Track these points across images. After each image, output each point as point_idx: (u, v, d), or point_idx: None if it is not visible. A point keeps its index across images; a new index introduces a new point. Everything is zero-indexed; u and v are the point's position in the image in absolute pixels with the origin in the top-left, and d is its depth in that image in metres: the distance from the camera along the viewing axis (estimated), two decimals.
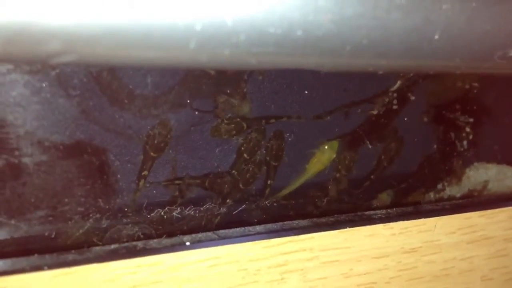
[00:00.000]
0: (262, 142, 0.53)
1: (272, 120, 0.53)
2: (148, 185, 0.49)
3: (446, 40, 0.39)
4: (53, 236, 0.46)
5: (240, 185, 0.53)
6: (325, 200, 0.57)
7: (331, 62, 0.39)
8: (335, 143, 0.56)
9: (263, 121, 0.52)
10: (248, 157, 0.53)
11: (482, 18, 0.39)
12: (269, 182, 0.55)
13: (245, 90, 0.50)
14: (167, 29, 0.32)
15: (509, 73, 0.51)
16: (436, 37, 0.38)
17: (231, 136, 0.51)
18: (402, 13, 0.37)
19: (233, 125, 0.51)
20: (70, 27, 0.30)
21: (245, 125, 0.51)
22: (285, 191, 0.56)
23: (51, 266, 0.39)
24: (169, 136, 0.48)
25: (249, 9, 0.33)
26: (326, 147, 0.56)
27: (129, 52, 0.33)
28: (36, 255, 0.40)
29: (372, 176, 0.59)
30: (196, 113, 0.49)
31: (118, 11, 0.31)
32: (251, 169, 0.53)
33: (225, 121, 0.50)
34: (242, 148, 0.52)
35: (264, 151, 0.54)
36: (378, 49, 0.38)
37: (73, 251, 0.41)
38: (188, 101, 0.48)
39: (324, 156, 0.56)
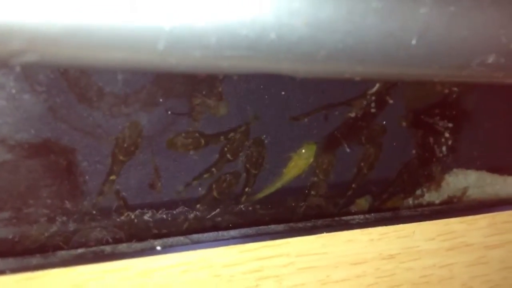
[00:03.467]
0: (239, 148, 0.52)
1: (231, 134, 0.52)
2: (118, 187, 0.48)
3: (423, 46, 0.38)
4: (17, 239, 0.45)
5: (214, 194, 0.52)
6: (302, 205, 0.57)
7: (305, 68, 0.38)
8: (312, 146, 0.55)
9: (222, 137, 0.52)
10: (224, 160, 0.52)
11: (460, 24, 0.39)
12: (246, 189, 0.54)
13: (220, 89, 0.49)
14: (134, 29, 0.31)
15: (488, 81, 0.51)
16: (413, 42, 0.38)
17: (187, 150, 0.50)
18: (378, 17, 0.36)
19: (190, 140, 0.50)
20: (31, 25, 0.29)
21: (203, 141, 0.51)
22: (260, 195, 0.55)
23: (14, 270, 0.37)
24: (139, 140, 0.48)
25: (221, 9, 0.33)
26: (303, 150, 0.55)
27: (94, 53, 0.32)
28: None
29: (353, 185, 0.59)
30: (169, 112, 0.48)
31: (82, 10, 0.30)
32: (228, 178, 0.53)
33: (183, 134, 0.50)
34: (225, 149, 0.52)
35: (245, 158, 0.53)
36: (353, 54, 0.37)
37: (37, 255, 0.40)
38: (161, 100, 0.47)
39: (301, 160, 0.55)
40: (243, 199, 0.54)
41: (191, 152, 0.50)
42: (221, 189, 0.53)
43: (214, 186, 0.52)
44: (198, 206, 0.52)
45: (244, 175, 0.54)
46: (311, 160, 0.55)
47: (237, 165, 0.53)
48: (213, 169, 0.52)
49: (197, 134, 0.50)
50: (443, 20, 0.38)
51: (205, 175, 0.51)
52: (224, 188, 0.53)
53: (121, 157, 0.47)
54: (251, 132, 0.53)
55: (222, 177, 0.53)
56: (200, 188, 0.52)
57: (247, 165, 0.53)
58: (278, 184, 0.55)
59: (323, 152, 0.56)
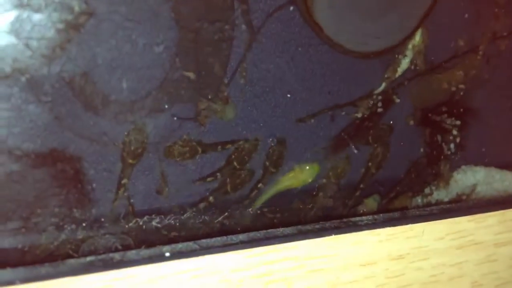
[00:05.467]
0: (247, 155, 0.52)
1: (229, 146, 0.51)
2: (126, 193, 0.48)
3: None
4: (26, 248, 0.45)
5: (228, 189, 0.52)
6: (311, 207, 0.56)
7: None
8: (316, 167, 0.55)
9: (219, 146, 0.51)
10: (231, 167, 0.52)
11: None
12: (259, 185, 0.54)
13: (226, 94, 0.49)
14: None
15: None
16: None
17: (184, 159, 0.50)
18: None
19: (187, 148, 0.50)
20: None
21: (200, 149, 0.50)
22: (259, 202, 0.55)
23: (24, 280, 0.37)
24: (146, 141, 0.47)
25: None
26: (307, 167, 0.55)
27: None
28: (8, 268, 0.39)
29: (361, 185, 0.59)
30: (175, 118, 0.48)
31: None
32: (242, 175, 0.53)
33: (180, 143, 0.49)
34: (233, 157, 0.52)
35: (265, 156, 0.53)
36: None
37: (46, 264, 0.40)
38: (167, 107, 0.47)
39: (301, 175, 0.55)
40: (247, 201, 0.54)
41: (187, 161, 0.50)
42: (235, 184, 0.53)
43: (228, 180, 0.52)
44: (210, 198, 0.52)
45: (260, 171, 0.54)
46: (310, 180, 0.55)
47: (253, 163, 0.53)
48: (218, 173, 0.52)
49: (194, 143, 0.50)
50: None
51: (209, 179, 0.51)
52: (237, 184, 0.53)
53: (130, 160, 0.47)
54: (258, 139, 0.52)
55: (237, 173, 0.52)
56: (208, 193, 0.51)
57: (267, 163, 0.53)
58: (271, 192, 0.55)
59: (330, 154, 0.56)
